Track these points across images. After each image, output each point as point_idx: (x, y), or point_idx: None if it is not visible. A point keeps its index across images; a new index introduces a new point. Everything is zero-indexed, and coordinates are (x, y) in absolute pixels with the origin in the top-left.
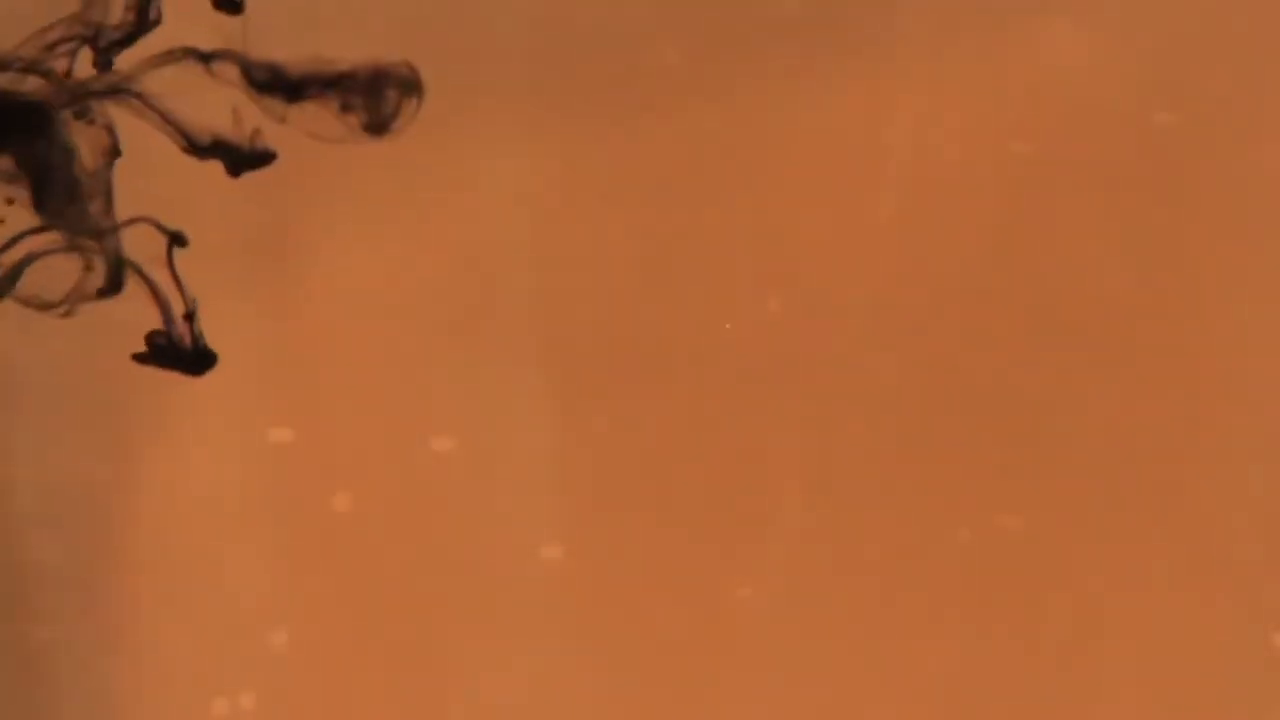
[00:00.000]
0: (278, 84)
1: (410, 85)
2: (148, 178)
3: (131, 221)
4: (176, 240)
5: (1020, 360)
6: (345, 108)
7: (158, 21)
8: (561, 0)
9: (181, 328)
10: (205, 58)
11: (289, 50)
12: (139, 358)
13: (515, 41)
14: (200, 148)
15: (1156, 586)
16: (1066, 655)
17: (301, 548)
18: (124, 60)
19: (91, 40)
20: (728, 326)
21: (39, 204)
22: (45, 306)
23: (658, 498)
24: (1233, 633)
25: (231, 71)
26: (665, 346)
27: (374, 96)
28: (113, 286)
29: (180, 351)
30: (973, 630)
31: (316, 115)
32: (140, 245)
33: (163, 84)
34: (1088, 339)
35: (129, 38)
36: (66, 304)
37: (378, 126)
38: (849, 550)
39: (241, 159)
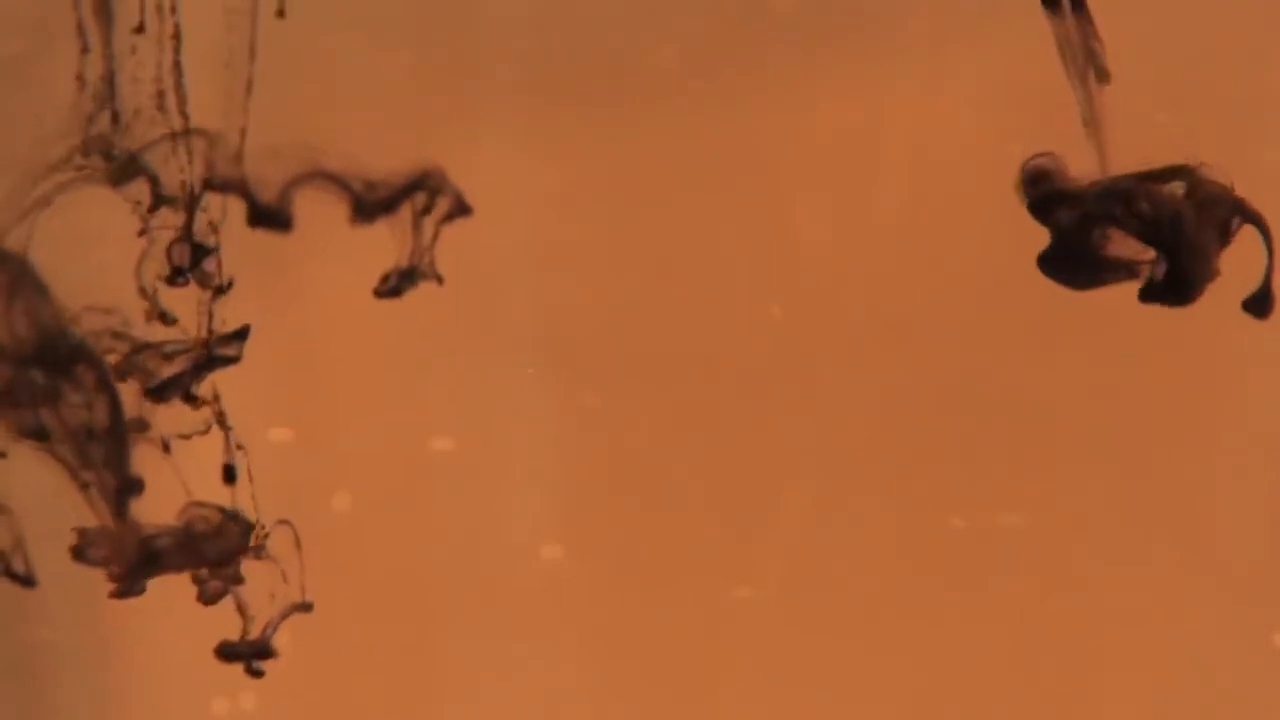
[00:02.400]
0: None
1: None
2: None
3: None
4: (227, 474)
5: (1020, 360)
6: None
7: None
8: (561, 0)
9: None
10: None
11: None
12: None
13: (514, 41)
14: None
15: (1157, 585)
16: (1066, 655)
17: (302, 547)
18: None
19: None
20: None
21: None
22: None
23: (658, 498)
24: (1233, 633)
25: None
26: (665, 345)
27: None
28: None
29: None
30: (973, 630)
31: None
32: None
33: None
34: (1088, 338)
35: None
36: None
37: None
38: (849, 551)
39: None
